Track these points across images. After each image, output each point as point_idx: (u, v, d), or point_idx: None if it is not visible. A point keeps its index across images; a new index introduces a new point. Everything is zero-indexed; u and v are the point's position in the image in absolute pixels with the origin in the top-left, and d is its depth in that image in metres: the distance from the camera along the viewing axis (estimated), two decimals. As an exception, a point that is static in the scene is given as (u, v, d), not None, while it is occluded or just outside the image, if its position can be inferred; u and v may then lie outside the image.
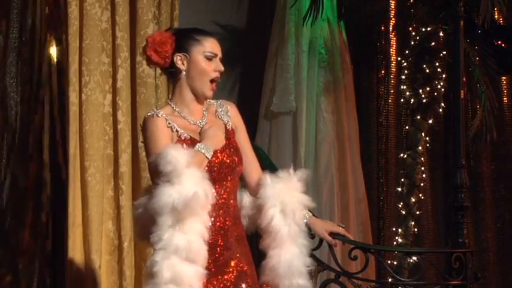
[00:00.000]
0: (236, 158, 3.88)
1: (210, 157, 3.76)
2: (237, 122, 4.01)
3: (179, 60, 3.87)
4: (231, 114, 3.99)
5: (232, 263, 3.81)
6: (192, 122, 3.89)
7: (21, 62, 5.22)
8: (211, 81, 3.88)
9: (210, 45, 3.89)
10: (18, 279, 5.12)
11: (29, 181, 5.19)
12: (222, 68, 3.89)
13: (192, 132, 3.86)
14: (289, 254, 3.88)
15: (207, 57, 3.87)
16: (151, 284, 3.63)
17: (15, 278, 5.13)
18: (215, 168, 3.80)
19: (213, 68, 3.87)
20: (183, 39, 3.88)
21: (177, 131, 3.83)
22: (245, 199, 4.02)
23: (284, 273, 3.87)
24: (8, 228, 5.15)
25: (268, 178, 3.94)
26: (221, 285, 3.77)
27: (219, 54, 3.91)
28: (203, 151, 3.74)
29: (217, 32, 6.27)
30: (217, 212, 3.80)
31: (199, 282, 3.64)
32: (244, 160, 3.94)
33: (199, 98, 3.91)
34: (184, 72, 3.87)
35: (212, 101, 4.00)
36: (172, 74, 3.92)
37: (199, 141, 3.80)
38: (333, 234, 4.21)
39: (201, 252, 3.65)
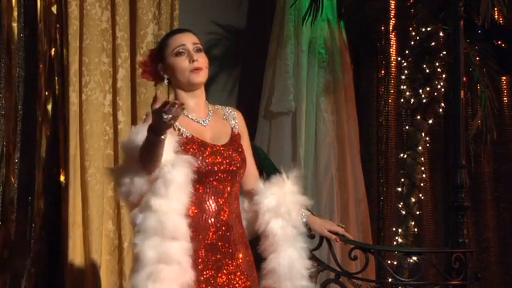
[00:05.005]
0: (240, 160, 3.88)
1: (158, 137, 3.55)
2: (242, 129, 4.03)
3: (161, 70, 3.94)
4: (238, 121, 4.02)
5: (234, 263, 3.82)
6: (195, 120, 3.90)
7: (21, 62, 5.23)
8: (192, 71, 3.89)
9: (175, 42, 3.91)
10: (18, 279, 5.13)
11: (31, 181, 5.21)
12: (195, 57, 3.87)
13: (194, 130, 3.86)
14: (287, 257, 3.89)
15: (177, 54, 3.89)
16: (137, 267, 3.62)
17: (14, 278, 5.14)
18: (218, 168, 3.80)
19: (188, 61, 3.88)
20: (158, 51, 3.98)
21: (179, 129, 3.84)
22: (245, 203, 4.02)
23: (284, 276, 3.88)
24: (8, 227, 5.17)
25: (261, 185, 3.96)
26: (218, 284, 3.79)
27: (188, 43, 3.90)
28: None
29: (217, 32, 6.29)
30: (219, 211, 3.80)
31: (187, 257, 3.63)
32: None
33: (193, 90, 3.91)
34: (167, 79, 3.93)
35: (220, 107, 4.04)
36: (167, 83, 3.98)
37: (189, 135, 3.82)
38: (332, 233, 4.22)
39: (180, 227, 3.63)
